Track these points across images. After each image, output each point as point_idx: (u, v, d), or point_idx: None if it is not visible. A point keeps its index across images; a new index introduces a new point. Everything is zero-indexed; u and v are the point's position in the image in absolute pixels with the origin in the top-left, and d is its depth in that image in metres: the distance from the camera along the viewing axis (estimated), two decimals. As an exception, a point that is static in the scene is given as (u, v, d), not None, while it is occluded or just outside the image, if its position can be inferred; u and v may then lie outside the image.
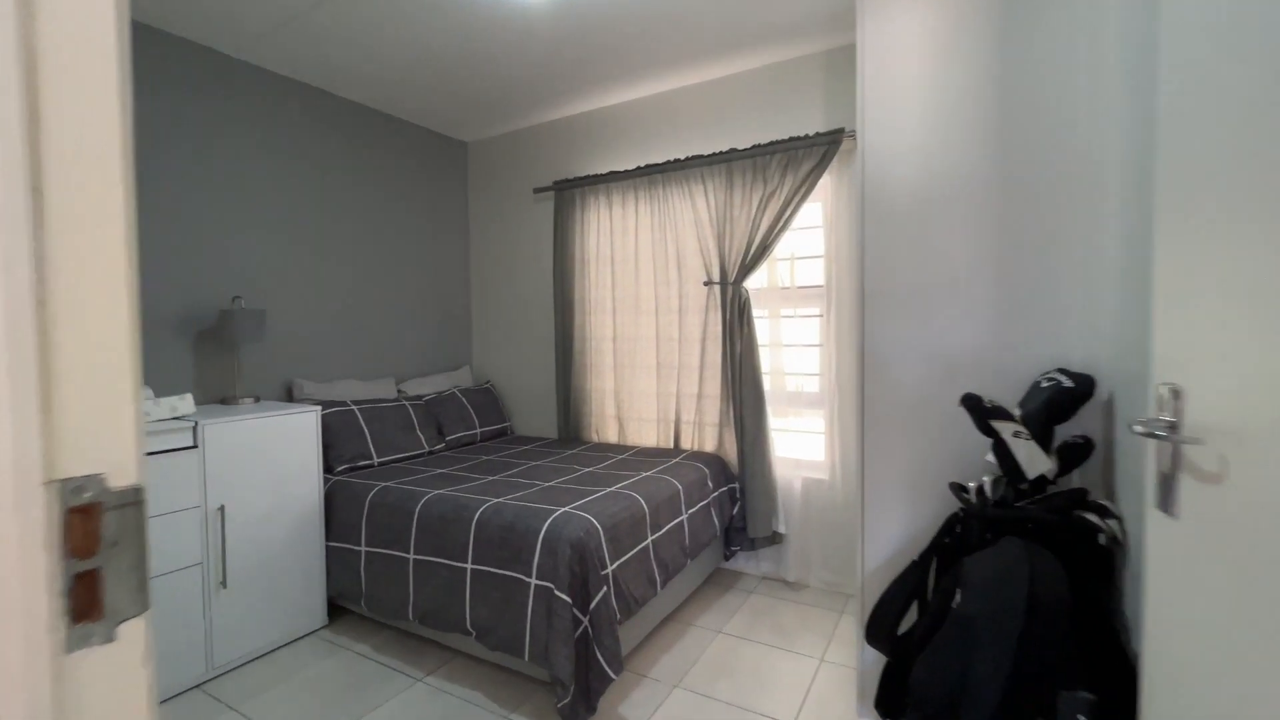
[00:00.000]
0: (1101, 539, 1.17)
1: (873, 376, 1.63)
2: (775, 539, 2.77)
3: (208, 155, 2.53)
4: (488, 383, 3.71)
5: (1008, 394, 1.41)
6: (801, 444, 2.82)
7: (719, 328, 2.85)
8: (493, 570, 1.97)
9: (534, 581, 1.87)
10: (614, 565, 1.95)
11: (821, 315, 2.73)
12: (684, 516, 2.41)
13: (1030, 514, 1.21)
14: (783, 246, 2.75)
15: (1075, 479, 1.37)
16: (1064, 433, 1.31)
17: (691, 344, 2.96)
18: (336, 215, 3.06)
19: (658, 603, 2.33)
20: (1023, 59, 1.44)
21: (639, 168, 3.05)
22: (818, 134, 2.57)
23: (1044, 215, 1.41)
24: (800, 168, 2.61)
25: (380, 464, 2.75)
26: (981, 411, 1.29)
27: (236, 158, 2.64)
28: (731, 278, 2.78)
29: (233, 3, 2.21)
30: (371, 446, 2.74)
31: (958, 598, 1.13)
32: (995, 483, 1.28)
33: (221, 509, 2.10)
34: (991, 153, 1.47)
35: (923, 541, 1.49)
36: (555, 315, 3.38)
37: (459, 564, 2.04)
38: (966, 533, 1.33)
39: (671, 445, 3.05)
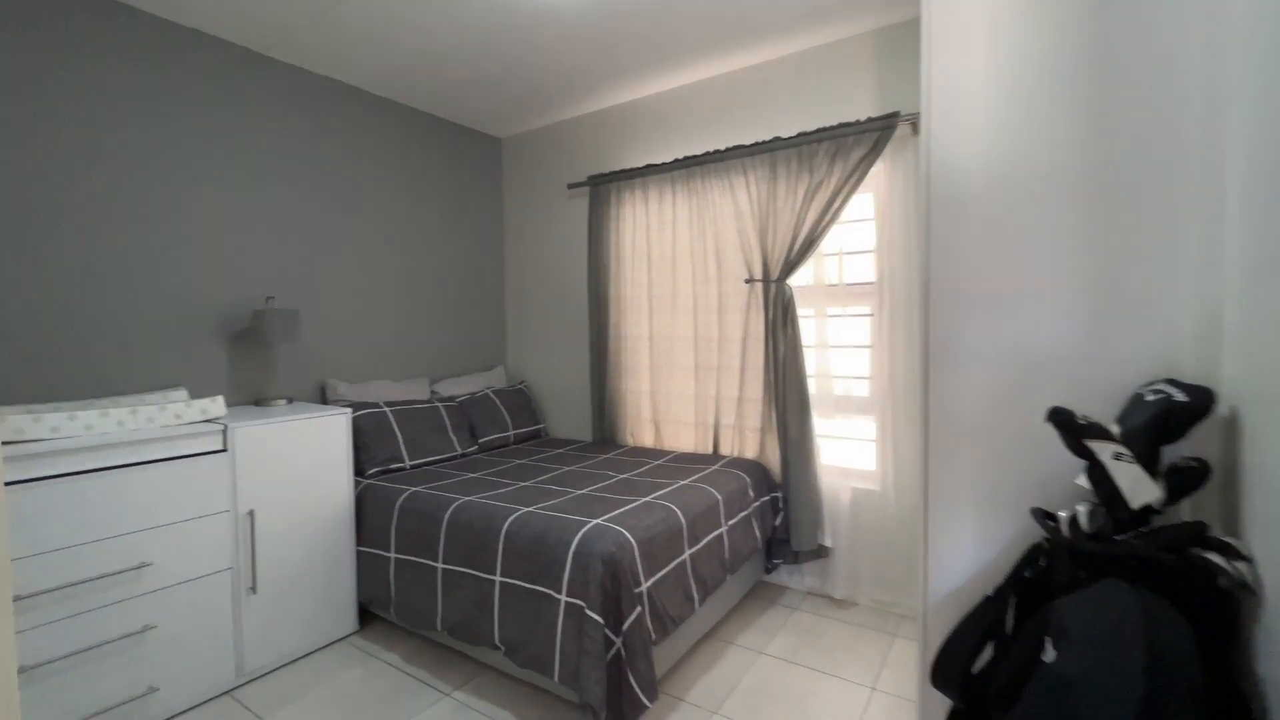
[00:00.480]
0: (1222, 582, 0.98)
1: (938, 383, 1.46)
2: (821, 553, 2.60)
3: (239, 154, 2.52)
4: (522, 383, 3.64)
5: (1100, 406, 1.22)
6: (850, 452, 2.64)
7: (761, 328, 2.69)
8: (522, 584, 1.87)
9: (564, 599, 1.77)
10: (649, 582, 1.83)
11: (872, 314, 2.55)
12: (723, 528, 2.27)
13: (1136, 550, 1.03)
14: (830, 241, 2.57)
15: (1185, 510, 1.18)
16: (1172, 454, 1.12)
17: (732, 344, 2.81)
18: (369, 213, 3.02)
19: (695, 620, 2.20)
20: (1123, 27, 1.24)
21: (676, 160, 2.91)
22: (869, 119, 2.38)
23: (1149, 205, 1.22)
24: (850, 156, 2.43)
25: (412, 467, 2.70)
26: (1074, 429, 1.11)
27: (268, 156, 2.62)
28: (774, 275, 2.62)
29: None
30: (403, 449, 2.69)
31: (1049, 650, 0.96)
32: (1092, 513, 1.10)
33: (251, 513, 2.07)
34: (1084, 134, 1.28)
35: (998, 573, 1.32)
36: (590, 314, 3.28)
37: (487, 576, 1.96)
38: (1053, 568, 1.15)
39: (710, 450, 2.91)
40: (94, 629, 1.73)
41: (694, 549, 2.08)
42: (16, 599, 1.59)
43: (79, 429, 1.78)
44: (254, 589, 2.08)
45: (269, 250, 2.62)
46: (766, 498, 2.64)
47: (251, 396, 2.57)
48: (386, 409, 2.75)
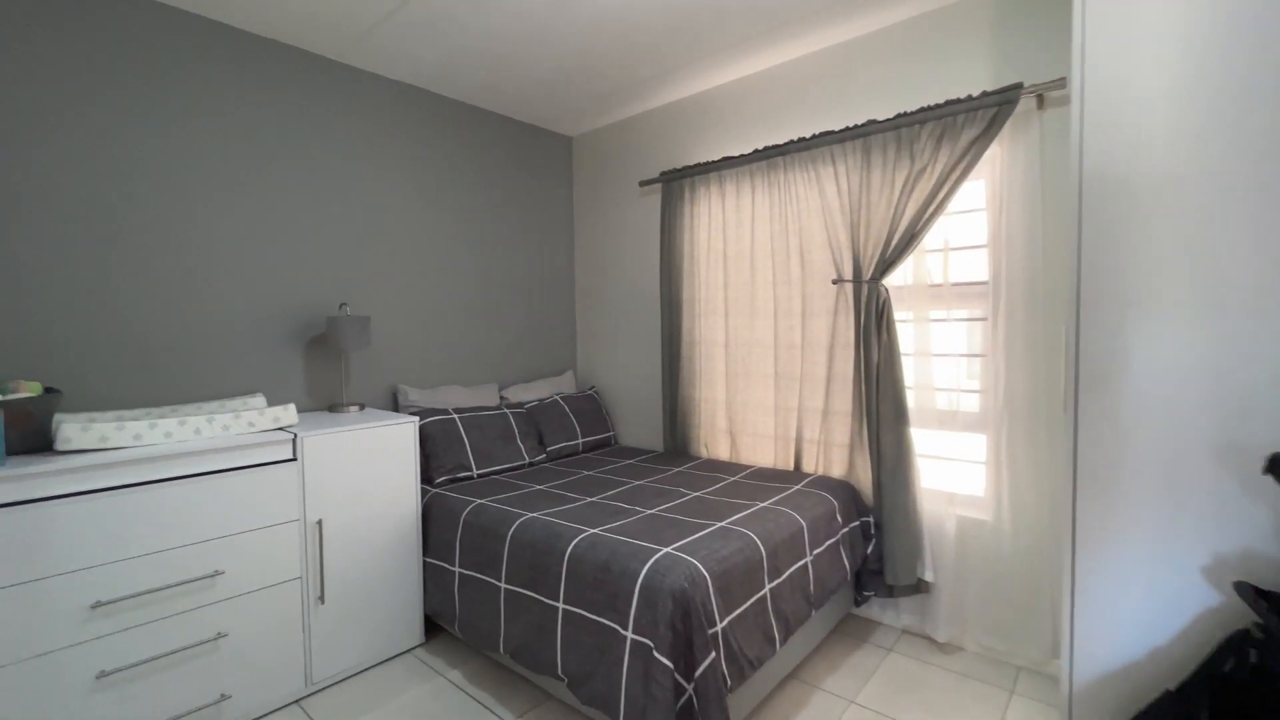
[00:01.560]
0: None
1: (1093, 404, 1.18)
2: (920, 587, 2.30)
3: (313, 162, 2.54)
4: (592, 389, 3.53)
5: (1340, 451, 0.91)
6: (956, 474, 2.33)
7: (850, 333, 2.43)
8: (586, 614, 1.73)
9: (630, 635, 1.61)
10: (724, 622, 1.64)
11: (985, 318, 2.22)
12: (808, 559, 2.04)
13: None
14: (933, 235, 2.27)
15: None
16: None
17: (817, 351, 2.56)
18: (439, 217, 3.00)
19: (776, 660, 1.98)
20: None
21: (756, 151, 2.68)
22: (984, 94, 2.07)
23: None
24: (959, 138, 2.12)
25: (479, 476, 2.63)
26: (1313, 485, 0.82)
27: (340, 163, 2.62)
28: (867, 274, 2.34)
29: (334, 3, 2.14)
30: (471, 458, 2.63)
31: (1290, 797, 0.70)
32: (1344, 602, 0.81)
33: (320, 522, 2.05)
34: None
35: (1178, 660, 1.03)
36: (662, 317, 3.11)
37: (550, 601, 1.83)
38: (1271, 667, 0.87)
39: (791, 467, 2.67)
40: (169, 635, 1.74)
41: (775, 583, 1.87)
42: (97, 605, 1.62)
43: (159, 437, 1.81)
44: (322, 599, 2.06)
45: (342, 256, 2.63)
46: (856, 523, 2.37)
47: (325, 402, 2.59)
48: (455, 416, 2.70)
